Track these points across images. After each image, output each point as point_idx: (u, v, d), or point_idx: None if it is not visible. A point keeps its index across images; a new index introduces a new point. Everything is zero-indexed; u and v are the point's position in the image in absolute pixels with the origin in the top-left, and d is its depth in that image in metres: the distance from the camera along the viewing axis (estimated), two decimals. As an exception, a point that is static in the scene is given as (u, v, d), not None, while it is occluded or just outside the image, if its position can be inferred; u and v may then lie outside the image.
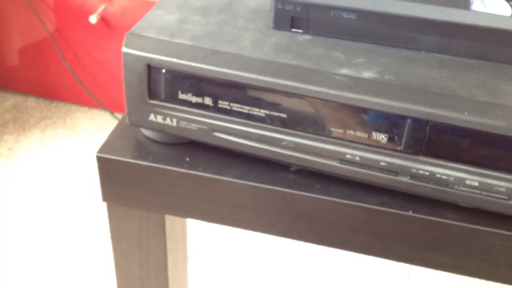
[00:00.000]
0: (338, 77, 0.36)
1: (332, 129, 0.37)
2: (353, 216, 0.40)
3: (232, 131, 0.39)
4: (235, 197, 0.42)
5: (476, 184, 0.36)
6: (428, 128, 0.35)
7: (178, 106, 0.40)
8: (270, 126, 0.39)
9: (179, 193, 0.43)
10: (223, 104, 0.39)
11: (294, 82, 0.36)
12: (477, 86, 0.36)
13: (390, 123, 0.36)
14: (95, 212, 1.36)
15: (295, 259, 1.28)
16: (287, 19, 0.41)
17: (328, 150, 0.38)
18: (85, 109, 1.70)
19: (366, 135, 0.37)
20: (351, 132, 0.37)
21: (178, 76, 0.39)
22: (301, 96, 0.37)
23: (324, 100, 0.36)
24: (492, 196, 0.36)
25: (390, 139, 0.36)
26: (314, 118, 0.37)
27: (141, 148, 0.43)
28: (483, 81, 0.37)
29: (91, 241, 1.29)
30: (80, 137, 1.60)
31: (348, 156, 0.37)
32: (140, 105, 0.41)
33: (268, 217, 0.42)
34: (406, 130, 0.35)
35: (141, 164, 0.42)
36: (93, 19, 1.49)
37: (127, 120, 0.42)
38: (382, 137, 0.36)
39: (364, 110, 0.36)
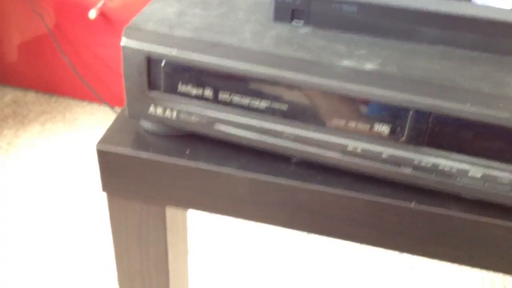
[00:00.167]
0: (339, 69, 0.36)
1: (333, 120, 0.37)
2: (355, 208, 0.39)
3: (233, 123, 0.39)
4: (236, 188, 0.42)
5: (479, 175, 0.35)
6: (430, 119, 0.35)
7: (178, 98, 0.40)
8: (271, 118, 0.38)
9: (179, 185, 0.43)
10: (223, 96, 0.39)
11: (295, 73, 0.36)
12: (479, 78, 0.36)
13: (392, 114, 0.35)
14: (94, 206, 1.36)
15: (296, 251, 1.28)
16: (287, 11, 0.40)
17: (330, 141, 0.37)
18: (85, 103, 1.70)
19: (368, 127, 0.36)
20: (353, 124, 0.37)
21: (177, 68, 0.38)
22: (302, 88, 0.36)
23: (326, 91, 0.36)
24: (495, 188, 0.35)
25: (392, 131, 0.36)
26: (315, 109, 0.37)
27: (141, 141, 0.43)
28: (485, 73, 0.36)
29: (91, 235, 1.29)
30: (79, 131, 1.60)
31: (350, 148, 0.37)
32: (140, 97, 0.40)
33: (269, 209, 0.42)
34: (408, 122, 0.35)
35: (141, 157, 0.42)
36: (92, 14, 1.48)
37: (127, 113, 0.42)
38: (384, 129, 0.36)
39: (366, 102, 0.36)
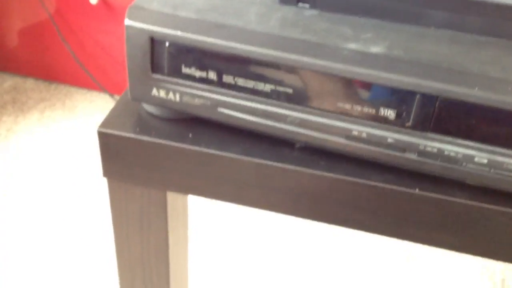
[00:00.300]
0: (345, 52, 0.36)
1: (338, 104, 0.37)
2: (359, 194, 0.39)
3: (237, 107, 0.39)
4: (239, 174, 0.41)
5: (485, 161, 0.35)
6: (437, 103, 0.34)
7: (181, 81, 0.39)
8: (275, 102, 0.38)
9: (181, 169, 0.42)
10: (227, 78, 0.38)
11: (300, 56, 0.36)
12: (488, 62, 0.35)
13: (399, 98, 0.35)
14: (94, 193, 1.36)
15: (295, 241, 1.28)
16: (293, -6, 0.40)
17: (335, 126, 0.37)
18: (85, 91, 1.69)
19: (373, 111, 0.36)
20: (358, 108, 0.36)
21: (181, 49, 0.38)
22: (307, 71, 0.36)
23: (331, 74, 0.35)
24: (500, 174, 0.35)
25: (398, 115, 0.35)
26: (320, 93, 0.37)
27: (143, 124, 0.43)
28: (494, 57, 0.36)
29: (91, 223, 1.29)
30: (79, 119, 1.59)
31: (355, 133, 0.37)
32: (143, 79, 0.40)
33: (272, 194, 0.42)
34: (415, 106, 0.35)
35: (143, 140, 0.41)
36: (93, -1, 1.47)
37: (129, 95, 0.41)
38: (390, 113, 0.36)
39: (372, 85, 0.35)
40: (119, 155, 0.43)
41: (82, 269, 1.18)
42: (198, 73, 0.38)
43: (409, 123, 0.36)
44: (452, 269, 1.24)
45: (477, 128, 0.35)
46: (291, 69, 0.36)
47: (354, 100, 0.36)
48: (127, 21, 0.38)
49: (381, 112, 0.36)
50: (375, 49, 0.36)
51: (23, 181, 1.39)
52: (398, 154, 0.37)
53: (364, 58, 0.35)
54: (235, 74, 0.38)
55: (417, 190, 0.38)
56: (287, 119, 0.38)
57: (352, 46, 0.36)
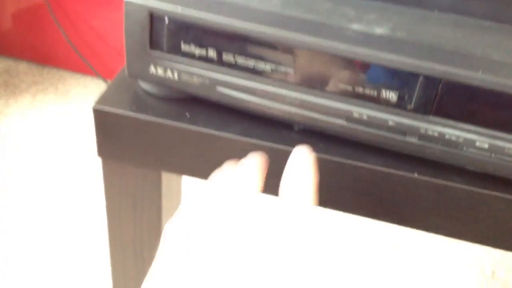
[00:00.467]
0: (349, 32, 0.35)
1: (340, 86, 0.36)
2: (357, 177, 0.39)
3: (236, 86, 0.38)
4: (236, 155, 0.40)
5: (486, 146, 0.35)
6: (440, 86, 0.34)
7: (180, 58, 0.38)
8: (275, 82, 0.37)
9: (177, 149, 0.42)
10: (227, 57, 0.37)
11: (302, 35, 0.35)
12: (491, 46, 0.35)
13: (401, 80, 0.34)
14: (86, 178, 1.35)
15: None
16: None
17: (335, 107, 0.37)
18: (78, 76, 1.68)
19: (375, 93, 0.35)
20: (360, 90, 0.36)
21: (181, 26, 0.37)
22: (309, 51, 0.35)
23: (334, 55, 0.35)
24: (501, 159, 0.35)
25: (400, 98, 0.35)
26: (322, 74, 0.36)
27: (140, 102, 0.42)
28: (497, 42, 0.36)
29: (83, 205, 1.28)
30: (72, 103, 1.58)
31: (356, 115, 0.36)
32: (141, 56, 0.39)
33: (270, 176, 0.41)
34: (417, 89, 0.34)
35: (139, 118, 0.41)
36: (88, -18, 1.46)
37: (126, 72, 0.41)
38: (391, 96, 0.35)
39: (375, 67, 0.35)
40: (114, 134, 0.42)
41: (75, 250, 1.18)
42: (197, 51, 0.38)
43: (411, 106, 0.35)
44: (443, 261, 1.25)
45: (479, 112, 0.34)
46: (293, 48, 0.36)
47: (356, 82, 0.36)
48: (126, -4, 0.37)
49: (383, 94, 0.35)
50: (378, 30, 0.35)
51: (14, 163, 1.37)
52: (398, 137, 0.36)
53: (368, 39, 0.34)
54: (235, 53, 0.37)
55: (416, 175, 0.38)
56: (287, 100, 0.38)
57: (356, 26, 0.35)
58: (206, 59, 0.38)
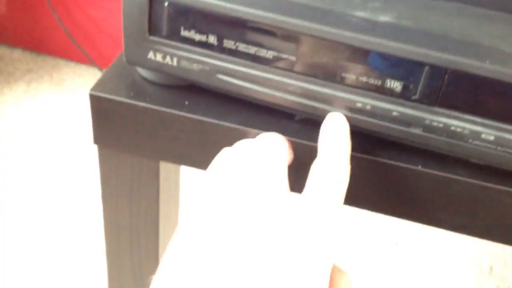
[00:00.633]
0: (353, 19, 0.34)
1: (343, 74, 0.35)
2: (358, 169, 0.38)
3: (237, 73, 0.37)
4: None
5: (492, 138, 0.34)
6: (446, 76, 0.33)
7: (179, 44, 0.37)
8: (277, 70, 0.36)
9: (176, 138, 0.41)
10: (228, 43, 0.36)
11: (305, 21, 0.34)
12: (499, 36, 0.34)
13: (406, 70, 0.34)
14: (81, 168, 1.34)
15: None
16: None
17: (338, 97, 0.36)
18: (73, 64, 1.66)
19: (379, 83, 0.35)
20: (364, 79, 0.35)
21: (181, 10, 0.36)
22: (312, 38, 0.34)
23: (338, 42, 0.34)
24: (507, 152, 0.34)
25: (405, 88, 0.34)
26: (325, 62, 0.35)
27: (138, 89, 0.41)
28: (504, 32, 0.35)
29: (79, 195, 1.27)
30: (66, 92, 1.56)
31: (359, 105, 0.36)
32: (139, 41, 0.38)
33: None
34: (422, 78, 0.33)
35: (137, 105, 0.40)
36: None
37: (124, 58, 0.40)
38: (396, 85, 0.34)
39: (379, 55, 0.34)
40: (111, 121, 0.41)
41: (70, 240, 1.17)
42: (197, 37, 0.37)
43: (416, 96, 0.34)
44: (441, 256, 1.25)
45: (485, 103, 0.33)
46: (296, 35, 0.35)
47: (359, 71, 0.35)
48: (125, -21, 0.36)
49: (387, 84, 0.35)
50: (383, 18, 0.34)
51: (9, 153, 1.36)
52: (402, 128, 0.35)
53: (373, 26, 0.34)
54: (236, 39, 0.36)
55: (419, 167, 0.37)
56: (289, 88, 0.37)
57: (360, 14, 0.35)
58: (206, 45, 0.37)
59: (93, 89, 0.40)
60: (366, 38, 0.33)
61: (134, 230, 0.50)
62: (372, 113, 0.36)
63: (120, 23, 0.38)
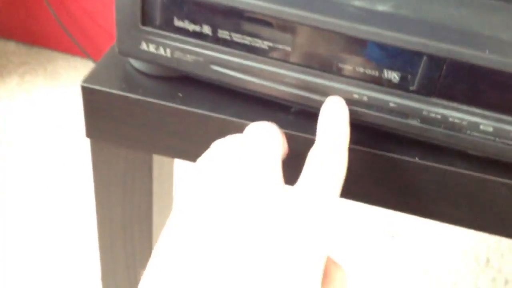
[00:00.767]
0: (350, 8, 0.33)
1: (340, 65, 0.35)
2: (355, 162, 0.37)
3: (232, 65, 0.36)
4: (230, 136, 0.39)
5: (491, 129, 0.33)
6: (444, 67, 0.32)
7: (173, 35, 0.37)
8: (273, 60, 0.36)
9: (169, 131, 0.40)
10: (223, 34, 0.36)
11: (302, 11, 0.33)
12: (498, 26, 0.33)
13: (404, 60, 0.33)
14: (75, 162, 1.33)
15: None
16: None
17: (334, 88, 0.35)
18: (68, 56, 1.64)
19: (376, 73, 0.34)
20: (361, 70, 0.34)
21: (174, 0, 0.35)
22: (308, 28, 0.34)
23: (335, 32, 0.33)
24: (505, 143, 0.34)
25: (403, 78, 0.34)
26: (321, 52, 0.35)
27: (130, 80, 0.40)
28: (504, 21, 0.34)
29: (72, 189, 1.26)
30: (61, 85, 1.55)
31: (356, 96, 0.35)
32: (131, 31, 0.37)
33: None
34: (420, 69, 0.33)
35: (129, 97, 0.39)
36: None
37: (116, 49, 0.39)
38: (393, 76, 0.34)
39: (376, 45, 0.33)
40: (103, 113, 0.41)
41: (63, 234, 1.16)
42: (191, 27, 0.36)
43: (414, 87, 0.34)
44: (438, 249, 1.25)
45: (484, 94, 0.33)
46: (291, 25, 0.34)
47: (356, 61, 0.34)
48: (117, -33, 0.35)
49: (384, 75, 0.34)
50: (381, 7, 0.34)
51: (2, 147, 1.35)
52: (400, 119, 0.35)
53: (370, 16, 0.33)
54: (231, 29, 0.35)
55: (417, 159, 0.36)
56: (284, 80, 0.36)
57: (357, 3, 0.34)
58: (200, 36, 0.36)
59: (85, 81, 0.40)
60: (363, 27, 0.33)
61: (127, 223, 0.50)
62: (369, 105, 0.35)
63: (114, 11, 0.37)
